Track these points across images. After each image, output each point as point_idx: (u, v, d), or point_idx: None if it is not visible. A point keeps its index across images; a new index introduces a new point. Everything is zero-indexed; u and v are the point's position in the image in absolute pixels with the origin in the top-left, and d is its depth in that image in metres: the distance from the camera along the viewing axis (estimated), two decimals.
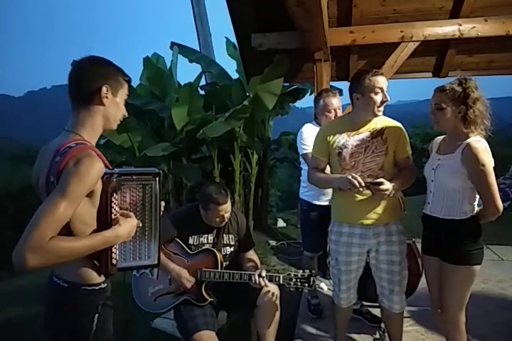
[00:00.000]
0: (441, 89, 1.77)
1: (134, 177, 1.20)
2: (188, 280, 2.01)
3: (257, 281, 1.93)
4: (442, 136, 1.95)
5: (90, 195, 1.10)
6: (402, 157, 1.95)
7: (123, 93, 1.26)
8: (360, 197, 1.91)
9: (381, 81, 1.82)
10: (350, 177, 1.76)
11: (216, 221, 2.08)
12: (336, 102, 2.60)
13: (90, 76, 1.18)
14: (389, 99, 1.84)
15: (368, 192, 1.84)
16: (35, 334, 2.78)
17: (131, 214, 1.19)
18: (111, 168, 1.19)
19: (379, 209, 1.91)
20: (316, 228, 2.72)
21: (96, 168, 1.07)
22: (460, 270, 1.77)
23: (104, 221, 1.14)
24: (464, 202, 1.77)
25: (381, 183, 1.75)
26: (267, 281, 1.95)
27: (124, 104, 1.28)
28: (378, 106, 1.84)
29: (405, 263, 1.99)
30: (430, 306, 2.42)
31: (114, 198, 1.15)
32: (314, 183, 2.10)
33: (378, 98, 1.83)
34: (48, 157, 1.13)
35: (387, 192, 1.76)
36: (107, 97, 1.19)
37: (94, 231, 1.13)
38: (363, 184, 1.75)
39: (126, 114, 1.29)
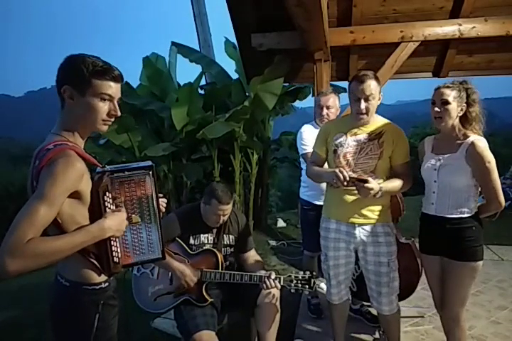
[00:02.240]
0: (446, 86, 1.79)
1: (126, 172, 1.19)
2: (191, 278, 2.00)
3: (271, 284, 1.94)
4: (433, 136, 1.98)
5: (77, 195, 1.09)
6: (398, 163, 1.93)
7: (94, 92, 1.13)
8: (349, 196, 1.92)
9: (358, 90, 1.80)
10: (337, 170, 1.78)
11: (212, 219, 2.08)
12: (325, 99, 2.58)
13: (57, 78, 1.15)
14: (363, 107, 1.82)
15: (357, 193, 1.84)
16: (35, 335, 2.79)
17: (122, 209, 1.18)
18: (100, 166, 1.18)
19: (366, 210, 1.93)
20: (315, 228, 2.71)
21: (73, 167, 1.04)
22: (466, 266, 1.80)
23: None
24: (469, 200, 1.81)
25: (367, 181, 1.74)
26: (277, 283, 1.96)
27: (103, 101, 1.16)
28: (357, 113, 1.86)
29: (394, 264, 1.97)
30: (430, 306, 2.42)
31: (107, 197, 1.15)
32: (310, 177, 2.13)
33: (356, 106, 1.85)
34: (32, 161, 1.13)
35: (372, 192, 1.75)
36: (71, 98, 1.14)
37: None
38: (348, 178, 1.75)
39: (114, 113, 1.19)
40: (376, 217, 1.94)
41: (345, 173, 1.76)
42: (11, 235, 0.95)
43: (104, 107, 1.17)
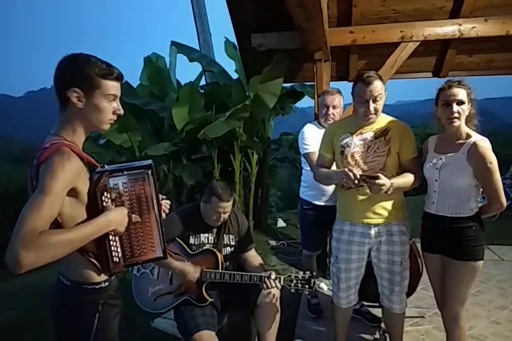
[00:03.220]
0: (457, 85, 1.78)
1: (125, 172, 1.19)
2: (192, 276, 1.99)
3: (271, 284, 1.93)
4: (436, 135, 1.98)
5: (75, 194, 1.09)
6: (406, 158, 1.93)
7: (101, 93, 1.15)
8: (362, 197, 1.92)
9: (366, 91, 1.80)
10: (346, 169, 1.77)
11: (213, 218, 2.08)
12: (330, 99, 2.59)
13: (60, 79, 1.14)
14: (372, 108, 1.82)
15: (369, 191, 1.83)
16: (35, 335, 2.79)
17: (122, 207, 1.19)
18: (99, 165, 1.18)
19: (381, 209, 1.92)
20: (315, 227, 2.73)
21: (69, 162, 1.05)
22: (465, 266, 1.81)
23: None
24: (470, 200, 1.81)
25: (377, 177, 1.74)
26: (278, 283, 1.95)
27: (110, 101, 1.18)
28: (366, 115, 1.85)
29: (407, 264, 1.98)
30: (430, 306, 2.42)
31: (106, 197, 1.15)
32: (319, 180, 2.11)
33: (364, 107, 1.84)
34: (31, 161, 1.13)
35: (384, 188, 1.74)
36: (79, 101, 1.13)
37: None
38: (358, 176, 1.74)
39: (120, 112, 1.21)
40: (391, 215, 1.94)
41: (354, 171, 1.75)
42: (21, 228, 0.95)
43: (109, 107, 1.19)
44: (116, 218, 1.14)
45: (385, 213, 1.93)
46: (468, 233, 1.80)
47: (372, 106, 1.82)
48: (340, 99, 2.62)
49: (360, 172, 1.80)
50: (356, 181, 1.75)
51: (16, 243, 0.93)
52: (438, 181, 1.86)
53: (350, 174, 1.74)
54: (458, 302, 1.87)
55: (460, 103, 1.76)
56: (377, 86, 1.81)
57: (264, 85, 4.29)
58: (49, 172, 1.02)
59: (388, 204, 1.93)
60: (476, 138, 1.77)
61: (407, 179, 1.88)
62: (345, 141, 1.95)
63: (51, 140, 1.13)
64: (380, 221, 1.93)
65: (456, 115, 1.77)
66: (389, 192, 1.78)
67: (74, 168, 1.06)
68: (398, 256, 1.95)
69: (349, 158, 1.94)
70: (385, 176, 1.80)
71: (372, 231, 1.94)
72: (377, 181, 1.73)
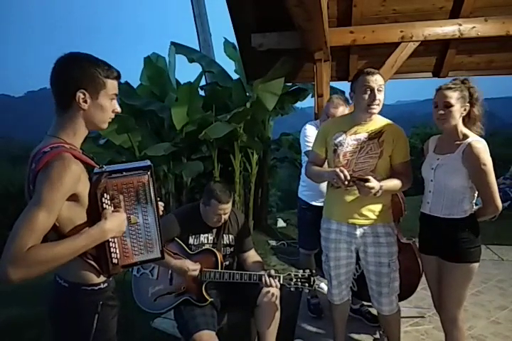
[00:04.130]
0: (448, 87, 1.77)
1: (124, 173, 1.18)
2: (191, 272, 1.98)
3: (269, 282, 1.94)
4: (438, 136, 1.97)
5: (75, 198, 1.08)
6: (397, 162, 1.93)
7: (106, 93, 1.16)
8: (349, 197, 1.92)
9: (371, 80, 1.82)
10: (338, 170, 1.77)
11: (213, 219, 2.08)
12: (332, 112, 2.54)
13: (63, 81, 1.12)
14: (378, 98, 1.83)
15: (358, 193, 1.83)
16: (35, 335, 2.79)
17: (121, 209, 1.17)
18: (98, 166, 1.17)
19: (367, 211, 1.93)
20: (312, 227, 2.72)
21: (70, 170, 1.02)
22: (459, 268, 1.79)
23: (97, 222, 1.12)
24: (464, 201, 1.79)
25: (368, 180, 1.74)
26: (277, 282, 1.95)
27: (112, 100, 1.19)
28: (368, 105, 1.85)
29: (395, 265, 1.97)
30: (430, 306, 2.41)
31: (105, 198, 1.14)
32: (309, 176, 2.12)
33: (366, 97, 1.84)
34: (29, 164, 1.11)
35: (373, 191, 1.74)
36: (85, 102, 1.12)
37: None
38: (349, 177, 1.75)
39: (118, 110, 1.22)
40: (377, 217, 1.94)
41: (345, 172, 1.75)
42: (12, 244, 0.94)
43: (110, 106, 1.19)
44: (112, 227, 1.11)
45: (371, 215, 1.93)
46: (462, 235, 1.78)
47: (378, 95, 1.83)
48: (344, 109, 2.56)
49: (351, 173, 1.81)
50: (346, 182, 1.76)
51: (5, 259, 0.93)
52: (433, 181, 1.86)
53: (341, 174, 1.74)
54: (455, 304, 1.85)
55: (447, 106, 1.74)
56: (380, 77, 1.84)
57: (265, 85, 4.29)
58: (47, 183, 1.00)
59: (375, 207, 1.93)
60: (472, 139, 1.75)
61: (397, 182, 1.87)
62: (338, 140, 1.95)
63: (51, 143, 1.10)
64: (366, 222, 1.94)
65: (440, 117, 1.77)
66: (377, 195, 1.79)
67: (73, 176, 1.04)
68: (385, 257, 1.94)
69: (341, 157, 1.94)
70: (375, 178, 1.80)
71: (358, 232, 1.95)
72: (367, 184, 1.73)
